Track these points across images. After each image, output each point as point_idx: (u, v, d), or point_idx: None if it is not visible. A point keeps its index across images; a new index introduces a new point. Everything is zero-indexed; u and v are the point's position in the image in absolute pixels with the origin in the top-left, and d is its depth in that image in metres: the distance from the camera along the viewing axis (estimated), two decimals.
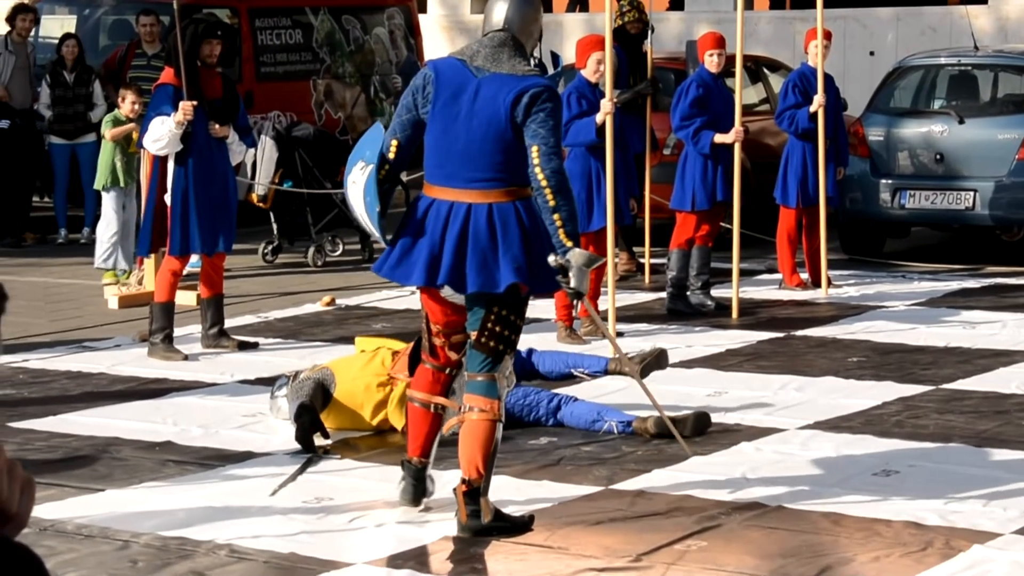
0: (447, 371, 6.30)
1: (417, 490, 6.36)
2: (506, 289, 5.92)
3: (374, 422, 7.65)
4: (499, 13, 6.08)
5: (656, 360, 7.91)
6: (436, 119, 6.01)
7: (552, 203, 5.84)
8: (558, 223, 5.85)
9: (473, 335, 6.03)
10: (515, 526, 6.10)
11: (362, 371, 7.67)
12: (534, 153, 5.86)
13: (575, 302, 6.17)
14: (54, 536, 6.14)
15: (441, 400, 6.30)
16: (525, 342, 9.76)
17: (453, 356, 6.26)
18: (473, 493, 6.01)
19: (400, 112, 6.15)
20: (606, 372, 7.92)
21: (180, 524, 6.25)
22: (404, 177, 16.52)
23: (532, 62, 6.17)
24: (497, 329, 5.97)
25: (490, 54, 6.01)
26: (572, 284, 5.89)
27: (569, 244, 5.86)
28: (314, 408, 7.46)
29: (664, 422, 7.30)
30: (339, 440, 7.59)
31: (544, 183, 5.84)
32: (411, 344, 7.01)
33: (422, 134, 6.11)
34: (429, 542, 6.05)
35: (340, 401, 7.63)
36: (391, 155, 6.12)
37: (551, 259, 5.89)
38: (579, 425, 7.66)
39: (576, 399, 7.80)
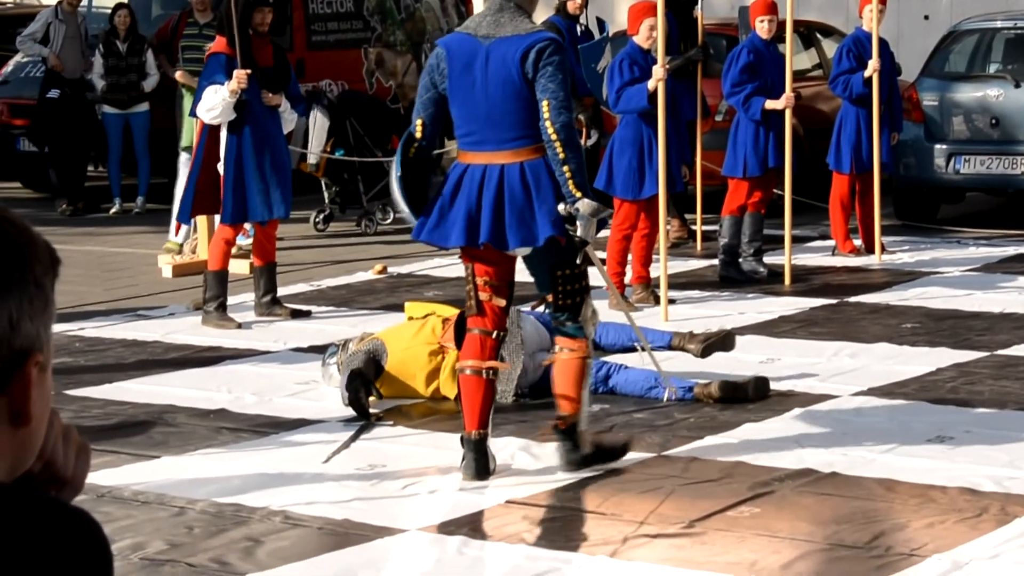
0: (494, 334, 6.39)
1: (480, 464, 6.36)
2: (548, 243, 6.15)
3: (427, 392, 7.67)
4: None
5: (721, 341, 7.86)
6: (455, 92, 6.26)
7: (562, 155, 6.10)
8: (567, 174, 6.11)
9: (549, 298, 6.35)
10: (614, 452, 6.48)
11: (413, 340, 7.68)
12: (544, 107, 6.12)
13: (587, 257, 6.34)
14: (111, 502, 6.19)
15: (492, 364, 6.38)
16: None
17: (500, 304, 6.39)
18: (570, 428, 6.32)
19: (421, 93, 6.42)
20: (670, 347, 7.88)
21: (235, 491, 6.29)
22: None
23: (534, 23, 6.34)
24: (568, 287, 6.29)
25: (493, 21, 6.26)
26: (579, 233, 6.12)
27: (578, 194, 6.10)
28: (365, 373, 7.48)
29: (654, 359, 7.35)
30: (392, 407, 7.61)
31: (554, 136, 6.10)
32: (460, 311, 7.10)
33: (446, 110, 6.35)
34: (481, 508, 6.07)
35: (392, 373, 7.65)
36: (418, 134, 6.35)
37: (560, 207, 6.13)
38: (634, 392, 7.64)
39: (626, 367, 7.78)
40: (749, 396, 7.42)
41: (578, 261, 6.24)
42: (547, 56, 6.13)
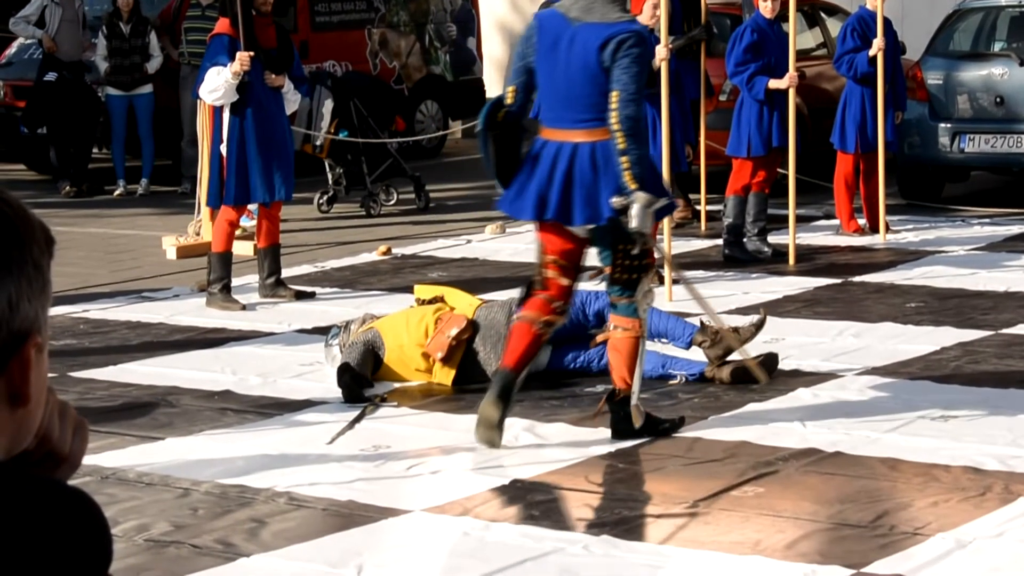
0: (555, 304, 6.59)
1: (502, 400, 6.46)
2: (611, 223, 6.33)
3: (426, 381, 7.68)
4: None
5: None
6: (541, 67, 6.48)
7: (622, 146, 6.26)
8: (624, 165, 6.27)
9: (607, 270, 6.54)
10: (665, 428, 6.63)
11: (407, 337, 7.64)
12: (613, 98, 6.28)
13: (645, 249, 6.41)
14: (116, 484, 6.20)
15: (548, 317, 6.57)
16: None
17: (564, 282, 6.59)
18: (623, 402, 6.52)
19: (514, 61, 6.62)
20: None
21: (239, 472, 6.30)
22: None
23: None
24: (627, 263, 6.47)
25: (584, 5, 6.46)
26: (633, 224, 6.26)
27: (633, 186, 6.25)
28: (351, 367, 7.47)
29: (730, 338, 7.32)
30: (396, 388, 7.62)
31: (617, 127, 6.27)
32: (452, 317, 7.40)
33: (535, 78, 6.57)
34: (487, 489, 6.07)
35: (389, 366, 7.67)
36: (508, 100, 6.53)
37: (614, 200, 6.28)
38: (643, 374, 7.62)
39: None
40: (759, 379, 7.36)
41: (635, 252, 6.37)
42: (626, 48, 6.30)
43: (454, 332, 7.51)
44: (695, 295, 7.15)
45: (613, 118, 6.27)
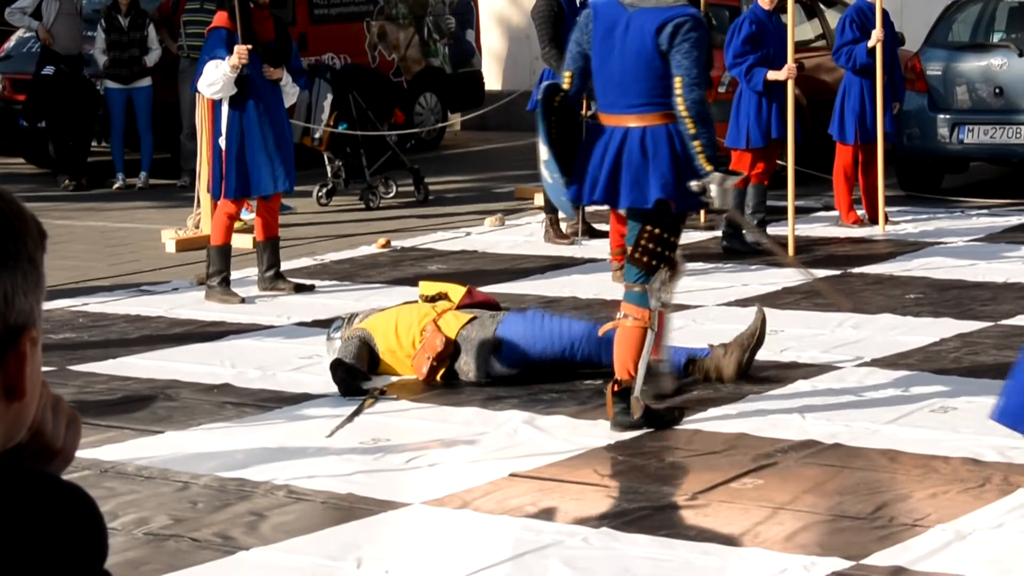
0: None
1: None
2: (656, 207, 6.44)
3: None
4: None
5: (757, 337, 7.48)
6: (596, 53, 6.59)
7: (692, 131, 6.41)
8: (698, 148, 6.41)
9: (629, 250, 6.64)
10: (664, 420, 6.64)
11: (398, 343, 7.63)
12: (677, 84, 6.41)
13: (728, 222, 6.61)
14: (115, 477, 6.20)
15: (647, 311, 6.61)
16: (585, 284, 9.79)
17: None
18: (623, 393, 6.55)
19: (571, 49, 6.75)
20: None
21: (239, 465, 6.30)
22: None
23: None
24: (650, 246, 6.54)
25: None
26: (716, 204, 6.45)
27: (709, 168, 6.41)
28: (343, 361, 7.46)
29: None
30: (395, 381, 7.62)
31: (684, 112, 6.40)
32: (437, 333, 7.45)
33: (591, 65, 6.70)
34: (486, 482, 6.07)
35: (384, 361, 7.68)
36: (565, 85, 6.67)
37: (692, 184, 6.44)
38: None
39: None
40: (755, 337, 7.30)
41: (725, 228, 6.54)
42: (684, 32, 6.41)
43: (432, 355, 7.46)
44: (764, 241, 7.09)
45: (680, 104, 6.40)
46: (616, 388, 6.59)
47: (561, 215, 11.44)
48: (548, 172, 6.67)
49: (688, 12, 6.51)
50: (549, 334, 7.43)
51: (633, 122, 6.51)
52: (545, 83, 6.73)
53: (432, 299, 7.88)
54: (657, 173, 6.45)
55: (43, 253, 1.69)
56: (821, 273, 10.05)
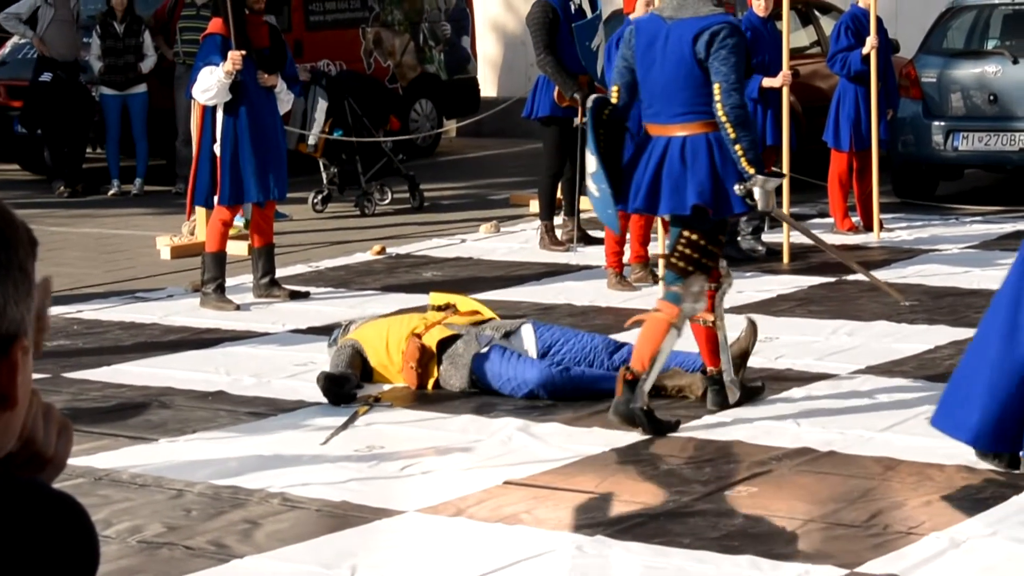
0: (710, 286, 6.86)
1: (720, 395, 6.95)
2: (694, 213, 6.66)
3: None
4: None
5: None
6: (640, 66, 6.84)
7: (733, 135, 6.62)
8: (739, 152, 6.62)
9: (666, 254, 6.93)
10: (660, 427, 6.69)
11: (388, 357, 7.62)
12: (716, 90, 6.63)
13: (763, 225, 6.71)
14: (109, 485, 6.20)
15: (707, 315, 6.87)
16: (580, 291, 9.79)
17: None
18: (633, 383, 6.64)
19: (617, 63, 7.01)
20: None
21: (233, 473, 6.29)
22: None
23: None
24: (687, 251, 6.77)
25: (677, 4, 6.83)
26: (760, 207, 6.67)
27: (751, 171, 6.61)
28: (327, 373, 7.45)
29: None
30: (389, 389, 7.62)
31: (724, 118, 6.62)
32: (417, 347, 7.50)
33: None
34: (480, 489, 6.07)
35: (377, 371, 7.69)
36: (613, 99, 6.91)
37: (736, 188, 6.65)
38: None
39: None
40: (748, 345, 7.30)
41: (766, 227, 6.66)
42: (721, 39, 6.64)
43: (413, 362, 7.49)
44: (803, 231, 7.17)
45: (719, 110, 6.60)
46: (629, 376, 6.66)
47: (557, 222, 11.45)
48: (595, 185, 6.84)
49: (723, 20, 6.74)
50: (521, 378, 7.34)
51: (674, 131, 6.76)
52: (593, 96, 6.97)
53: (441, 309, 7.89)
54: (695, 180, 6.67)
55: (34, 261, 1.69)
56: (815, 280, 10.06)
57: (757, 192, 6.66)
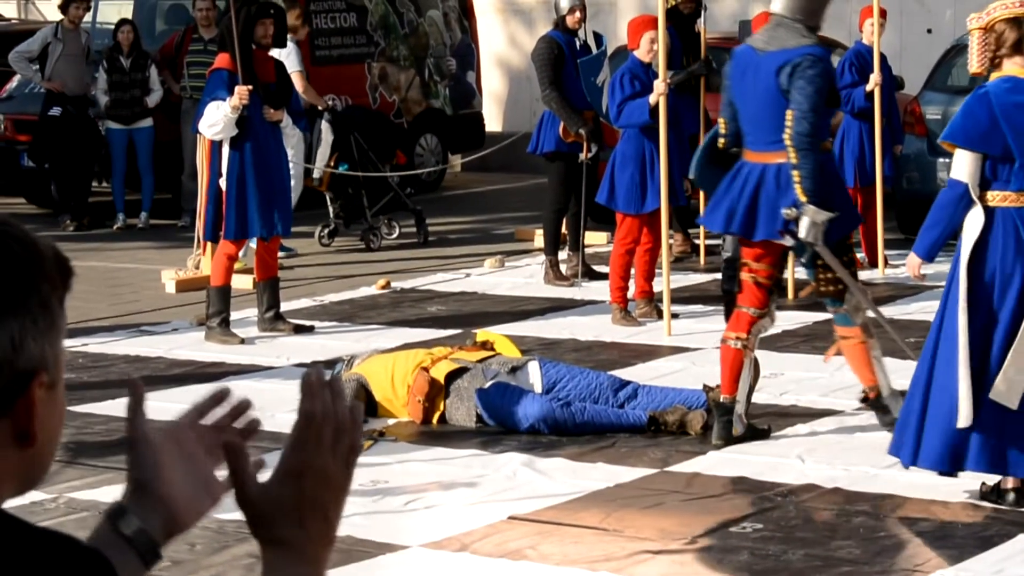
0: (751, 311, 7.13)
1: (727, 429, 7.03)
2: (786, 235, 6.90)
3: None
4: (775, 2, 7.16)
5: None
6: (736, 96, 7.17)
7: (794, 161, 6.87)
8: (796, 178, 6.86)
9: (813, 285, 7.23)
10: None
11: (394, 392, 7.64)
12: (788, 116, 6.90)
13: (802, 258, 7.11)
14: None
15: (745, 331, 7.10)
16: (584, 326, 9.79)
17: (759, 288, 7.11)
18: (878, 401, 7.11)
19: (723, 95, 7.32)
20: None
21: (237, 507, 6.27)
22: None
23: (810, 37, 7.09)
24: (828, 276, 7.07)
25: (769, 36, 7.13)
26: (801, 235, 6.83)
27: (804, 199, 6.83)
28: None
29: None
30: (393, 424, 7.61)
31: (789, 143, 6.88)
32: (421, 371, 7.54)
33: None
34: (485, 524, 6.06)
35: (382, 406, 7.69)
36: (722, 130, 7.24)
37: (784, 211, 6.89)
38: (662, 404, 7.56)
39: (643, 385, 7.68)
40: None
41: (803, 260, 7.04)
42: (801, 70, 6.90)
43: (421, 396, 7.50)
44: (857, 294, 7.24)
45: (786, 135, 6.87)
46: (872, 395, 7.12)
47: (562, 257, 11.47)
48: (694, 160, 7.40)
49: (806, 52, 6.94)
50: (522, 412, 7.34)
51: (767, 159, 7.01)
52: (713, 130, 7.36)
53: (482, 344, 7.95)
54: (788, 206, 6.89)
55: (64, 293, 1.66)
56: (820, 316, 10.03)
57: (804, 221, 6.82)
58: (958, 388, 5.96)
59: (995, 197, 6.13)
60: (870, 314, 7.18)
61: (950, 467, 6.07)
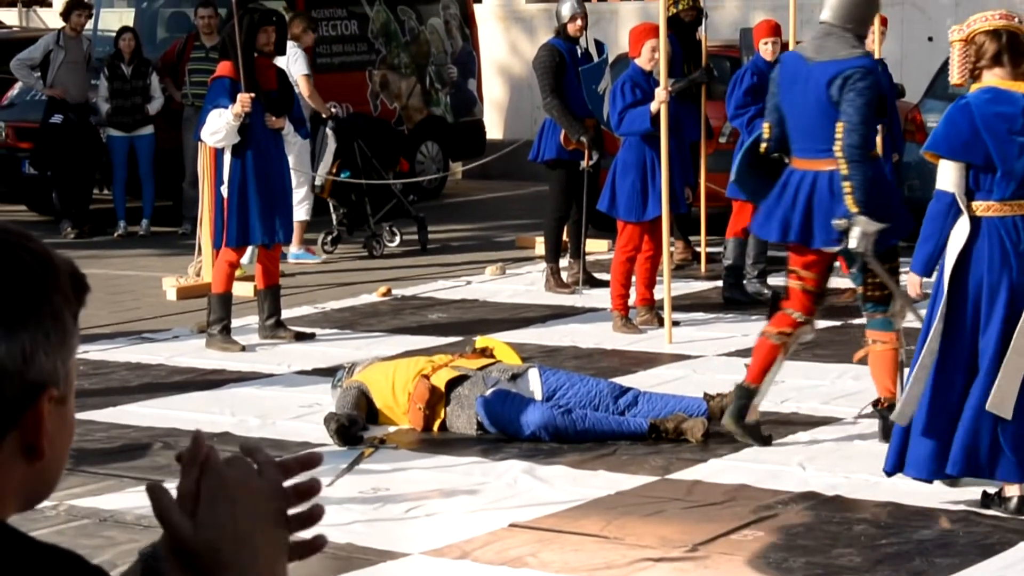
0: (795, 314, 7.19)
1: (742, 411, 7.10)
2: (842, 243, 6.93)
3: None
4: (824, 11, 7.16)
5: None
6: (785, 104, 7.18)
7: (844, 172, 6.90)
8: (847, 189, 6.89)
9: (860, 289, 7.24)
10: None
11: (395, 400, 7.64)
12: (838, 128, 6.92)
13: (853, 268, 7.16)
14: (114, 526, 6.19)
15: (786, 328, 7.18)
16: (585, 333, 9.79)
17: (806, 294, 7.19)
18: (889, 409, 6.92)
19: (768, 101, 7.36)
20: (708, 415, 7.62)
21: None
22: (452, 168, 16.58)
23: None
24: (876, 280, 7.14)
25: (818, 45, 7.14)
26: (851, 245, 6.87)
27: (854, 210, 6.86)
28: (335, 414, 7.46)
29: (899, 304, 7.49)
30: (394, 431, 7.61)
31: (840, 155, 6.91)
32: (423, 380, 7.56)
33: None
34: (485, 532, 6.06)
35: (383, 413, 7.70)
36: (765, 135, 7.27)
37: (835, 222, 6.91)
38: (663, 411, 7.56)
39: (643, 392, 7.68)
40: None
41: (854, 270, 7.05)
42: (852, 82, 6.92)
43: (421, 404, 7.51)
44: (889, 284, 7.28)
45: (837, 147, 6.88)
46: (883, 406, 7.08)
47: (563, 264, 11.47)
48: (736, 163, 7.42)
49: (857, 64, 6.95)
50: (523, 420, 7.35)
51: (819, 166, 7.02)
52: (755, 135, 7.35)
53: (481, 351, 7.93)
54: (843, 214, 6.90)
55: (77, 307, 1.64)
56: (822, 324, 10.03)
57: (856, 231, 6.85)
58: (907, 384, 6.16)
59: (979, 207, 6.14)
60: (911, 320, 7.20)
61: (930, 475, 6.11)
